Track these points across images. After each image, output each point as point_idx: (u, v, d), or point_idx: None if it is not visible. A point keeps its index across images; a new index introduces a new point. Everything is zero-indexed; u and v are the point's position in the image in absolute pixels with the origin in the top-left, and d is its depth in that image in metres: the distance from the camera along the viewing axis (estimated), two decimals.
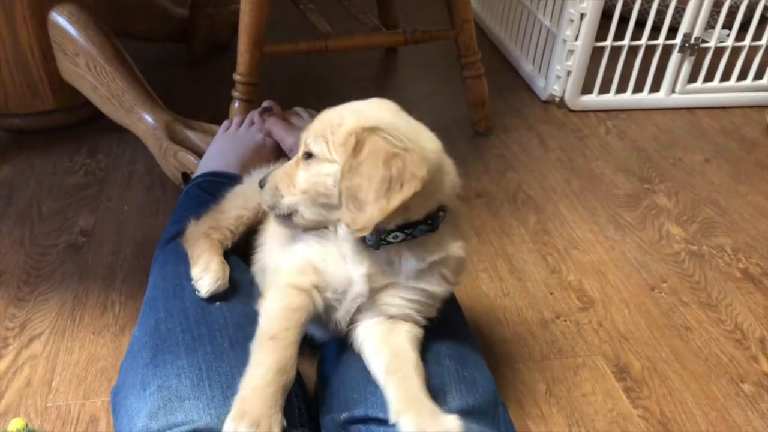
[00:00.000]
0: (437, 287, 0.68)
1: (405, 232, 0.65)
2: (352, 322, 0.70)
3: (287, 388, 0.61)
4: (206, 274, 0.75)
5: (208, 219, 0.82)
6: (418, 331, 0.70)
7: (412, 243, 0.66)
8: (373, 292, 0.68)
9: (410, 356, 0.66)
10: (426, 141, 0.69)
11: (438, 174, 0.67)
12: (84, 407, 0.81)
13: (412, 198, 0.61)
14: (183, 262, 0.77)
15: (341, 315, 0.70)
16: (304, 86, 1.59)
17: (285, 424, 0.59)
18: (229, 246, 0.80)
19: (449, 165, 0.71)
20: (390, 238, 0.65)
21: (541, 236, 1.15)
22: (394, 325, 0.69)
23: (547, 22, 1.57)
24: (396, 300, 0.68)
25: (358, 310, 0.69)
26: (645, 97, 1.59)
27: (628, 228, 1.18)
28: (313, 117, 1.12)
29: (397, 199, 0.60)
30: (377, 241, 0.65)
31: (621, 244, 1.14)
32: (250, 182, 0.84)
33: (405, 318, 0.69)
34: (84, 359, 0.87)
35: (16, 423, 0.76)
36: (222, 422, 0.60)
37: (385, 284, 0.68)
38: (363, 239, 0.66)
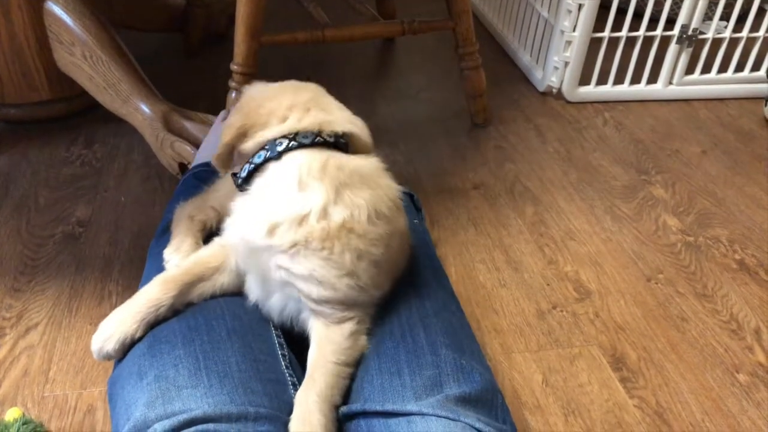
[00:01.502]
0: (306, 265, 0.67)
1: (248, 162, 0.71)
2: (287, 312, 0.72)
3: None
4: (175, 255, 0.76)
5: (194, 200, 0.83)
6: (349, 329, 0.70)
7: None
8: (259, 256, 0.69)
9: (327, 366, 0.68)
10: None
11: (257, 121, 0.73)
12: (81, 397, 0.81)
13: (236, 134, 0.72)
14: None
15: (256, 292, 0.72)
16: (301, 76, 1.58)
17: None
18: (214, 227, 0.81)
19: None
20: (241, 173, 0.71)
21: (538, 227, 1.15)
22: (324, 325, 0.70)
23: (545, 13, 1.57)
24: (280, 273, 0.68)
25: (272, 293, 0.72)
26: (642, 89, 1.59)
27: (625, 219, 1.18)
28: None
29: (226, 135, 0.72)
30: (235, 179, 0.73)
31: (618, 235, 1.14)
32: None
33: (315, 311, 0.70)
34: (81, 349, 0.87)
35: (13, 413, 0.76)
36: (220, 411, 0.61)
37: (263, 247, 0.67)
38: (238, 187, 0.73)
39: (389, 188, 0.73)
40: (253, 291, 0.73)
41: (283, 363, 0.71)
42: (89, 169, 1.21)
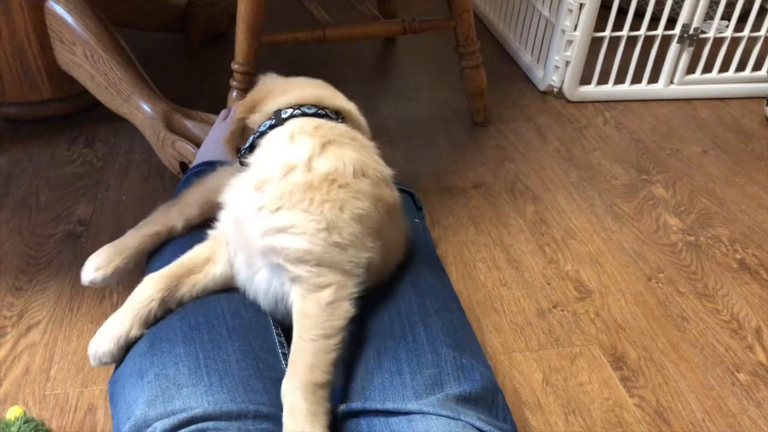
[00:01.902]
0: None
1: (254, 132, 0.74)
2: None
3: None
4: (91, 261, 0.77)
5: (166, 207, 0.84)
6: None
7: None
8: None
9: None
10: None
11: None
12: (82, 395, 0.81)
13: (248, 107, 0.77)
14: (179, 251, 0.78)
15: (243, 271, 0.73)
16: (301, 76, 1.58)
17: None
18: (181, 232, 0.82)
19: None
20: (246, 145, 0.74)
21: (538, 226, 1.15)
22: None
23: (546, 12, 1.56)
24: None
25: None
26: (643, 88, 1.59)
27: (626, 218, 1.18)
28: None
29: (238, 110, 0.78)
30: (239, 155, 0.75)
31: (618, 235, 1.14)
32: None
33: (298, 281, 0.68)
34: (82, 348, 0.88)
35: (15, 411, 0.76)
36: (220, 409, 0.61)
37: (251, 215, 0.68)
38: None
39: (378, 163, 0.74)
40: (241, 271, 0.72)
41: (283, 361, 0.71)
42: (90, 168, 1.21)
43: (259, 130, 0.74)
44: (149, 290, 0.71)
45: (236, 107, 0.79)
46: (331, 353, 0.66)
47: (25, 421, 0.74)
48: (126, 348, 0.70)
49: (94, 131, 1.30)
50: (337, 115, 0.77)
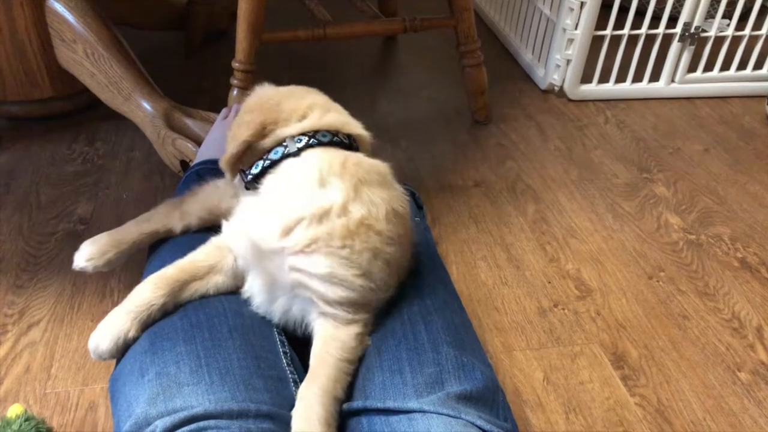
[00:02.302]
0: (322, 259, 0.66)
1: (263, 158, 0.71)
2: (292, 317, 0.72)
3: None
4: (85, 248, 0.78)
5: (166, 205, 0.84)
6: (352, 334, 0.69)
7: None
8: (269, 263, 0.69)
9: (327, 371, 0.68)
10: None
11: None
12: (83, 393, 0.81)
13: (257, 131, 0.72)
14: (179, 250, 0.77)
15: (260, 296, 0.73)
16: (302, 74, 1.58)
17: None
18: (178, 232, 0.82)
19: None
20: (252, 170, 0.71)
21: (539, 225, 1.15)
22: (331, 328, 0.70)
23: (546, 11, 1.56)
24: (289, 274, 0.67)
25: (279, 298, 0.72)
26: (644, 87, 1.58)
27: (627, 217, 1.18)
28: None
29: (245, 131, 0.72)
30: (243, 177, 0.73)
31: (619, 233, 1.14)
32: None
33: (328, 315, 0.69)
34: (83, 346, 0.88)
35: (15, 409, 0.76)
36: (221, 408, 0.61)
37: (276, 249, 0.67)
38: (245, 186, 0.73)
39: (399, 191, 0.74)
40: (256, 295, 0.72)
41: (284, 360, 0.71)
42: (91, 166, 1.21)
43: (270, 157, 0.71)
44: (150, 293, 0.70)
45: (240, 128, 0.74)
46: (349, 376, 0.68)
47: (26, 419, 0.74)
48: (125, 347, 0.70)
49: (94, 129, 1.30)
50: (350, 139, 0.74)
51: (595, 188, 1.26)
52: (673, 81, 1.59)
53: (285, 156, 0.70)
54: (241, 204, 0.73)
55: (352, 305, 0.69)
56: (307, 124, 0.72)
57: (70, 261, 0.85)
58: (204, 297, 0.73)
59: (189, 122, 1.13)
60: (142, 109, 1.13)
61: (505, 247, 1.10)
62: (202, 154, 1.01)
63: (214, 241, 0.75)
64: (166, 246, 0.82)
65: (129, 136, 1.27)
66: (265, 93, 0.77)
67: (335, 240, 0.65)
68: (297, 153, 0.70)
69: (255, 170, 0.71)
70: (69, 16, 1.13)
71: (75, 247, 1.01)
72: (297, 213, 0.66)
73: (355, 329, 0.69)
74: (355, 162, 0.69)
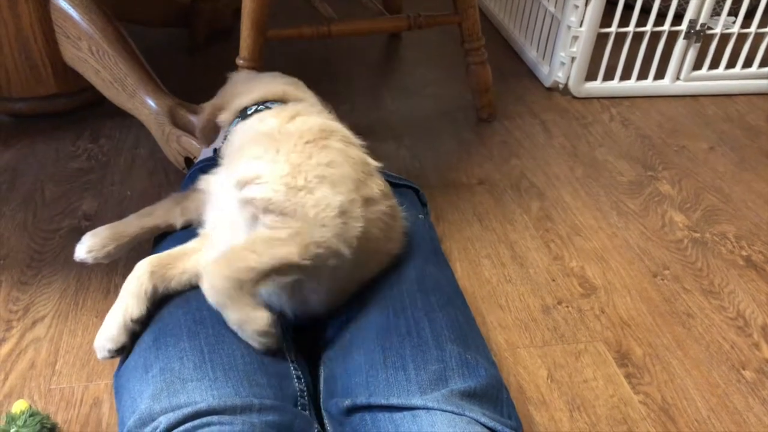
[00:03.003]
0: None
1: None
2: None
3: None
4: (86, 240, 0.79)
5: (170, 200, 0.85)
6: None
7: None
8: None
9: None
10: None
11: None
12: (87, 389, 0.82)
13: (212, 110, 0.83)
14: (181, 244, 0.78)
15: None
16: (307, 71, 1.58)
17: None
18: (178, 228, 0.83)
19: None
20: (219, 143, 0.83)
21: (544, 223, 1.15)
22: None
23: (551, 8, 1.56)
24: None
25: None
26: (649, 84, 1.58)
27: (631, 215, 1.18)
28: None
29: (205, 110, 0.86)
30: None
31: (624, 231, 1.14)
32: None
33: None
34: (87, 342, 0.88)
35: (20, 405, 0.76)
36: (224, 403, 0.61)
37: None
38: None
39: (346, 129, 0.77)
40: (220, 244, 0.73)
41: (288, 357, 0.71)
42: (95, 163, 1.21)
43: (231, 128, 0.79)
44: (140, 270, 0.73)
45: (206, 107, 0.85)
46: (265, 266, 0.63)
47: (31, 415, 0.75)
48: (130, 334, 0.70)
49: (99, 126, 1.30)
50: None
51: (599, 186, 1.26)
52: (678, 78, 1.58)
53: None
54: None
55: (282, 211, 0.65)
56: (256, 95, 0.79)
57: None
58: (192, 278, 0.74)
59: (193, 119, 1.13)
60: (147, 106, 1.13)
61: (509, 244, 1.09)
62: (206, 151, 1.01)
63: (201, 231, 0.78)
64: (168, 240, 0.82)
65: (133, 133, 1.27)
66: (234, 79, 0.88)
67: (262, 143, 0.70)
68: (247, 118, 0.78)
69: (220, 143, 0.79)
70: (74, 13, 1.13)
71: None
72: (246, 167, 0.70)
73: (280, 233, 0.65)
74: (294, 105, 0.77)
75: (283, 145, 0.69)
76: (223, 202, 0.74)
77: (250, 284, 0.64)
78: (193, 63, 1.58)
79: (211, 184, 0.77)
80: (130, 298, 0.71)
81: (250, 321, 0.65)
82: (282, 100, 0.79)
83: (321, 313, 0.76)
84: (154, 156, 1.21)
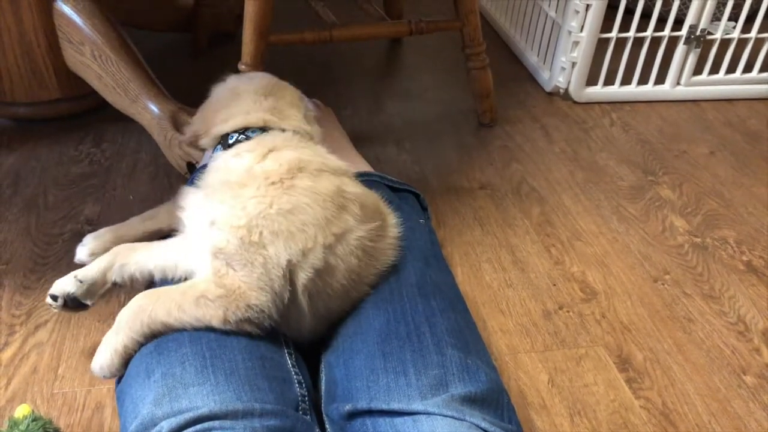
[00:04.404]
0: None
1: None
2: None
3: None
4: (88, 243, 0.82)
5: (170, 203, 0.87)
6: None
7: None
8: None
9: None
10: None
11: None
12: (90, 394, 0.82)
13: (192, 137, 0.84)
14: None
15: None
16: (308, 76, 1.59)
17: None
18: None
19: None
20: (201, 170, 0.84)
21: (544, 228, 1.15)
22: None
23: (552, 13, 1.56)
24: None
25: None
26: (650, 89, 1.58)
27: (632, 220, 1.18)
28: (318, 107, 1.13)
29: (186, 132, 0.85)
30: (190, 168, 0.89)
31: (624, 236, 1.14)
32: None
33: None
34: (89, 346, 0.88)
35: (23, 409, 0.77)
36: (226, 408, 0.61)
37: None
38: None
39: (324, 158, 0.76)
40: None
41: (289, 361, 0.71)
42: (98, 167, 1.22)
43: (213, 153, 0.79)
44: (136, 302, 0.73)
45: (186, 131, 0.85)
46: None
47: (33, 420, 0.75)
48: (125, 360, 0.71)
49: (101, 131, 1.30)
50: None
51: (600, 191, 1.26)
52: (678, 83, 1.59)
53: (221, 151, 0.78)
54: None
55: (231, 260, 0.67)
56: (239, 121, 0.79)
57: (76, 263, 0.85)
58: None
59: None
60: (149, 111, 1.14)
61: (510, 249, 1.10)
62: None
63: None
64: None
65: (136, 138, 1.27)
66: (216, 93, 0.87)
67: (227, 189, 0.70)
68: (228, 148, 0.77)
69: (200, 167, 0.82)
70: (76, 18, 1.14)
71: None
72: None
73: (215, 290, 0.67)
74: (273, 136, 0.76)
75: (247, 190, 0.70)
76: (193, 225, 0.74)
77: (151, 333, 0.69)
78: (195, 67, 1.59)
79: (189, 202, 0.77)
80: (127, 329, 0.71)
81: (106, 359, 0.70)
82: (263, 128, 0.79)
83: (310, 337, 0.76)
84: (157, 160, 1.21)
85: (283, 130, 0.79)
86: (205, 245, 0.69)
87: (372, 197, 0.80)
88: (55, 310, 0.78)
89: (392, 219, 0.82)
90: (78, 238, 1.04)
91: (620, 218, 1.19)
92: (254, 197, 0.69)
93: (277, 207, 0.69)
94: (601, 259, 1.08)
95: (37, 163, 1.22)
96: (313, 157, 0.75)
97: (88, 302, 0.78)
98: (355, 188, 0.76)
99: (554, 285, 1.03)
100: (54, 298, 0.77)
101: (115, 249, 0.78)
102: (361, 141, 1.33)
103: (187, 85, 1.47)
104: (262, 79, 0.86)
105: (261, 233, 0.68)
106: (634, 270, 1.06)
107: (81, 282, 0.77)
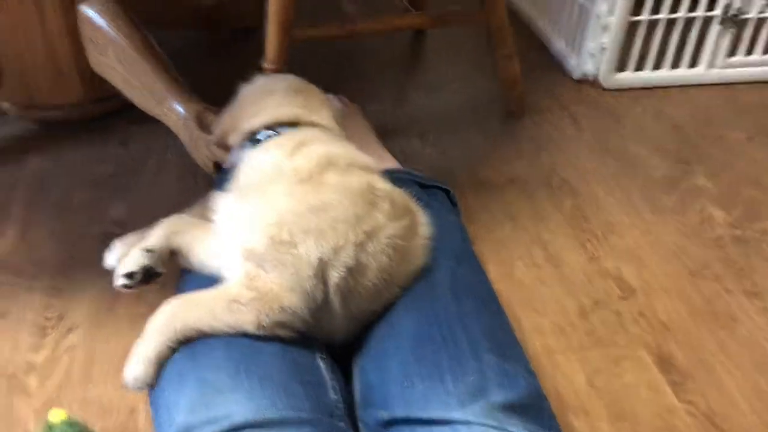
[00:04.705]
0: None
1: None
2: None
3: None
4: (116, 248, 0.81)
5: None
6: None
7: None
8: None
9: None
10: None
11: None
12: (123, 398, 0.82)
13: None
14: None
15: None
16: (330, 68, 1.56)
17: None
18: None
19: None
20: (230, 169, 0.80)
21: (577, 221, 1.12)
22: None
23: None
24: None
25: None
26: (683, 73, 1.53)
27: (667, 211, 1.15)
28: (344, 104, 1.11)
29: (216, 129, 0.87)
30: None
31: (660, 229, 1.11)
32: None
33: None
34: (121, 349, 0.87)
35: (58, 414, 0.77)
36: (262, 416, 0.60)
37: None
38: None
39: (354, 153, 0.75)
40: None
41: (322, 365, 0.70)
42: (124, 168, 1.21)
43: (241, 152, 0.78)
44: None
45: (217, 125, 0.86)
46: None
47: (69, 424, 0.75)
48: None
49: (127, 132, 1.30)
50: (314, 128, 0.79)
51: (633, 181, 1.22)
52: (712, 66, 1.53)
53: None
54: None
55: (262, 261, 0.66)
56: (267, 118, 0.78)
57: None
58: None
59: None
60: (175, 111, 1.13)
61: (542, 244, 1.07)
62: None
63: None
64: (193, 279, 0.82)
65: (162, 139, 1.26)
66: (244, 93, 0.87)
67: (255, 188, 0.70)
68: (257, 145, 0.77)
69: (230, 166, 0.80)
70: (100, 21, 1.13)
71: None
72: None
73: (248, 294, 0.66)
74: (303, 132, 0.76)
75: (276, 187, 0.68)
76: (224, 228, 0.74)
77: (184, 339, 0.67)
78: (217, 64, 1.57)
79: (219, 205, 0.76)
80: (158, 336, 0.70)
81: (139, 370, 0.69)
82: (292, 123, 0.78)
83: (342, 339, 0.74)
84: (183, 160, 1.20)
85: (313, 125, 0.78)
86: (235, 247, 0.68)
87: (401, 195, 0.78)
88: (129, 290, 0.76)
89: (422, 217, 0.80)
90: (106, 239, 1.04)
91: (655, 210, 1.15)
92: (284, 194, 0.68)
93: (307, 204, 0.67)
94: (636, 253, 1.06)
95: (63, 165, 1.22)
96: (342, 152, 0.74)
97: (163, 270, 0.77)
98: (384, 185, 0.75)
99: (589, 281, 1.00)
100: (131, 275, 0.75)
101: (168, 221, 0.79)
102: (385, 134, 1.31)
103: (210, 82, 1.46)
104: (292, 79, 0.87)
105: (291, 231, 0.66)
106: (672, 264, 1.03)
107: (152, 251, 0.76)
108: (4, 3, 1.09)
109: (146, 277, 0.76)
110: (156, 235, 0.78)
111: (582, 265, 1.03)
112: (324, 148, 0.73)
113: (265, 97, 0.82)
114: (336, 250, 0.67)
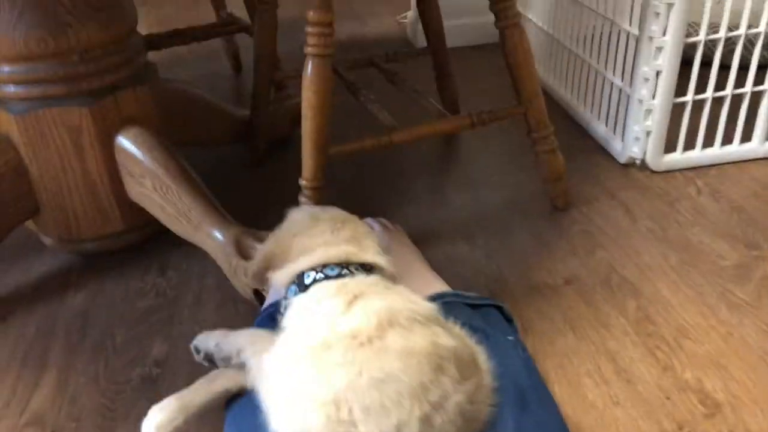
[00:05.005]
0: None
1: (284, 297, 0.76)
2: None
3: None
4: (153, 416, 0.75)
5: None
6: None
7: None
8: None
9: None
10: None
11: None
12: None
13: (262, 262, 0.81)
14: (253, 405, 0.71)
15: None
16: (364, 174, 1.54)
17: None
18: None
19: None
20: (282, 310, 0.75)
21: (644, 325, 1.03)
22: None
23: (618, 82, 1.48)
24: None
25: None
26: (736, 149, 1.46)
27: (744, 307, 1.05)
28: (386, 229, 1.07)
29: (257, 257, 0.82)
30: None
31: (739, 328, 1.01)
32: None
33: None
34: None
35: None
36: None
37: None
38: None
39: (414, 303, 0.68)
40: None
41: None
42: (163, 299, 1.18)
43: (288, 296, 0.73)
44: None
45: (256, 258, 0.82)
46: None
47: None
48: None
49: (165, 258, 1.28)
50: (365, 269, 0.73)
51: (700, 274, 1.13)
52: (767, 139, 1.46)
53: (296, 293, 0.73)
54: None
55: None
56: (315, 259, 0.73)
57: (146, 412, 0.81)
58: None
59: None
60: (212, 237, 1.11)
61: (609, 356, 0.98)
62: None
63: None
64: (241, 401, 0.77)
65: (200, 262, 1.24)
66: (291, 219, 0.83)
67: (307, 357, 0.63)
68: (305, 290, 0.71)
69: (282, 311, 0.74)
70: (137, 152, 1.14)
71: (151, 396, 0.97)
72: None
73: None
74: (357, 280, 0.70)
75: (332, 354, 0.61)
76: (274, 400, 0.67)
77: None
78: (255, 176, 1.57)
79: (266, 369, 0.70)
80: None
81: None
82: (342, 264, 0.72)
83: None
84: (222, 285, 1.17)
85: (364, 267, 0.73)
86: (287, 423, 0.62)
87: (465, 346, 0.71)
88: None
89: (486, 363, 0.73)
90: (146, 383, 1.00)
91: (730, 306, 1.05)
92: (341, 364, 0.61)
93: (368, 376, 0.60)
94: (716, 360, 0.95)
95: (104, 299, 1.19)
96: (402, 305, 0.67)
97: None
98: (448, 340, 0.67)
99: (668, 398, 0.90)
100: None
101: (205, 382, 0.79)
102: (428, 240, 1.26)
103: (247, 197, 1.46)
104: (336, 211, 0.83)
105: (351, 409, 0.60)
106: (759, 371, 0.93)
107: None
108: (43, 141, 1.10)
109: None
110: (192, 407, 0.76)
111: (656, 378, 0.93)
112: (382, 303, 0.66)
113: (311, 234, 0.77)
114: (399, 428, 0.60)
